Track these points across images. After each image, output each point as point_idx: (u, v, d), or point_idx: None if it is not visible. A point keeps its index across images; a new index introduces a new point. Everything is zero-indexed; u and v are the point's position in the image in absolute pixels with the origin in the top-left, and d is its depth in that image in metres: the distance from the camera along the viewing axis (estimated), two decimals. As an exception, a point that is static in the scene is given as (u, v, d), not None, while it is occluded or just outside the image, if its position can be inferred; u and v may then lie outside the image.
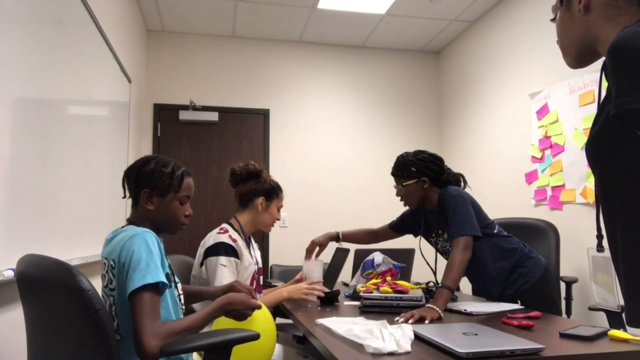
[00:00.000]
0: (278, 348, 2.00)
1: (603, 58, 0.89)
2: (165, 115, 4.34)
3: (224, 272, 1.89)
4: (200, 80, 4.41)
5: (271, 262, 4.16)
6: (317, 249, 2.42)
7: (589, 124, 2.81)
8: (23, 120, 1.63)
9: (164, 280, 1.29)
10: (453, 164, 4.27)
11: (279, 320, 2.26)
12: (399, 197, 2.23)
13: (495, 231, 2.14)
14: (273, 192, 2.16)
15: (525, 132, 3.50)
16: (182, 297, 1.53)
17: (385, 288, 1.88)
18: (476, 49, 4.19)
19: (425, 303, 1.80)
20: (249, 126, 4.49)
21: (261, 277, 2.21)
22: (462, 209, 2.01)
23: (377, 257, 2.41)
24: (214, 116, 4.34)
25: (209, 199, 4.30)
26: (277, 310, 2.16)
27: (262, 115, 4.51)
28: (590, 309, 2.41)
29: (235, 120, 4.46)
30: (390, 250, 2.48)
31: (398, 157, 2.22)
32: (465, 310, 1.82)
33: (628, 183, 0.82)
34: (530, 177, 3.42)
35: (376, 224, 2.63)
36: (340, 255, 2.48)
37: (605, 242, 0.91)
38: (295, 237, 4.30)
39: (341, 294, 2.29)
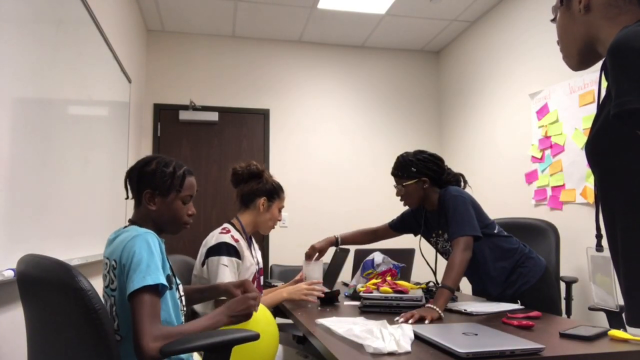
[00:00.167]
0: (278, 348, 2.00)
1: (603, 58, 0.89)
2: (165, 115, 4.34)
3: (226, 272, 1.89)
4: (200, 80, 4.41)
5: (271, 262, 4.16)
6: (317, 254, 2.41)
7: (589, 124, 2.81)
8: (23, 120, 1.63)
9: (164, 282, 1.29)
10: (453, 164, 4.27)
11: (279, 320, 2.26)
12: (399, 197, 2.23)
13: (496, 231, 2.14)
14: (275, 192, 2.16)
15: (525, 132, 3.50)
16: (183, 298, 1.53)
17: (385, 288, 1.88)
18: (476, 49, 4.19)
19: (425, 303, 1.80)
20: (249, 126, 4.49)
21: (262, 278, 2.21)
22: (462, 209, 2.01)
23: (377, 257, 2.41)
24: (214, 116, 4.34)
25: (209, 199, 4.30)
26: (277, 310, 2.16)
27: (262, 115, 4.51)
28: (590, 309, 2.40)
29: (235, 120, 4.46)
30: (390, 250, 2.48)
31: (398, 157, 2.22)
32: (465, 310, 1.82)
33: (628, 183, 0.82)
34: (530, 177, 3.42)
35: (376, 224, 2.63)
36: (340, 256, 2.48)
37: (604, 242, 0.91)
38: (295, 237, 4.30)
39: (341, 294, 2.29)
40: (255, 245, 2.22)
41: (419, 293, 1.88)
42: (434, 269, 2.28)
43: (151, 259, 1.30)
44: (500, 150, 3.81)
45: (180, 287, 1.53)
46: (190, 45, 4.42)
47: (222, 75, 4.46)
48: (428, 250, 2.33)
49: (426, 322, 1.61)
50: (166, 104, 4.33)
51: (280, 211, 2.20)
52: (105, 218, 2.73)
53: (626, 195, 0.82)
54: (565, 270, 2.74)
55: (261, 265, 2.19)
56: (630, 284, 0.84)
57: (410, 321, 1.60)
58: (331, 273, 2.48)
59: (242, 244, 2.02)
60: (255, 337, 1.30)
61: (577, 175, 2.97)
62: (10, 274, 1.42)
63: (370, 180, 4.61)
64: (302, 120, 4.57)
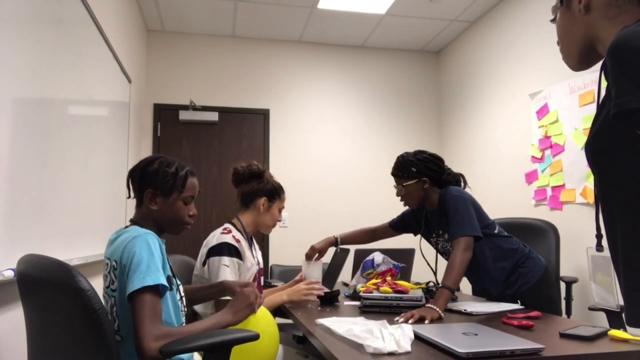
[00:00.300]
0: (279, 348, 2.00)
1: (603, 58, 0.89)
2: (165, 115, 4.34)
3: (227, 272, 1.88)
4: (200, 80, 4.41)
5: (271, 262, 4.16)
6: (317, 255, 2.41)
7: (589, 124, 2.80)
8: (23, 120, 1.63)
9: (164, 282, 1.29)
10: (453, 164, 4.27)
11: (279, 320, 2.26)
12: (399, 197, 2.23)
13: (496, 231, 2.14)
14: (275, 193, 2.16)
15: (525, 132, 3.50)
16: (184, 299, 1.53)
17: (385, 288, 1.88)
18: (476, 49, 4.19)
19: (425, 303, 1.80)
20: (249, 126, 4.49)
21: (262, 278, 2.21)
22: (463, 209, 2.01)
23: (377, 257, 2.41)
24: (214, 116, 4.34)
25: (209, 199, 4.30)
26: (277, 310, 2.16)
27: (262, 115, 4.51)
28: (590, 309, 2.40)
29: (235, 120, 4.46)
30: (390, 250, 2.48)
31: (398, 157, 2.22)
32: (465, 310, 1.82)
33: (628, 183, 0.82)
34: (530, 177, 3.42)
35: (376, 224, 2.63)
36: (340, 256, 2.48)
37: (605, 242, 0.91)
38: (295, 237, 4.30)
39: (341, 294, 2.29)
40: (256, 246, 2.22)
41: (419, 293, 1.88)
42: (434, 269, 2.28)
43: (151, 260, 1.30)
44: (500, 150, 3.81)
45: (181, 287, 1.53)
46: (190, 45, 4.42)
47: (222, 75, 4.46)
48: (428, 250, 2.33)
49: (426, 322, 1.61)
50: (166, 104, 4.33)
51: (280, 212, 2.20)
52: (105, 218, 2.73)
53: (626, 195, 0.82)
54: (565, 270, 2.74)
55: (261, 265, 2.19)
56: (630, 284, 0.84)
57: (410, 321, 1.60)
58: (331, 273, 2.48)
59: (244, 244, 2.02)
60: (255, 337, 1.30)
61: (577, 175, 2.97)
62: (10, 274, 1.42)
63: (370, 180, 4.61)
64: (302, 120, 4.57)
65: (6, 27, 1.50)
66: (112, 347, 1.07)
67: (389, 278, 2.04)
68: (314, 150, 4.55)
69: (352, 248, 2.51)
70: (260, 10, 3.98)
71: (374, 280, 2.05)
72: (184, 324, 1.54)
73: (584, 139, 2.89)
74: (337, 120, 4.64)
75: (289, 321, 2.08)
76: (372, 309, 1.84)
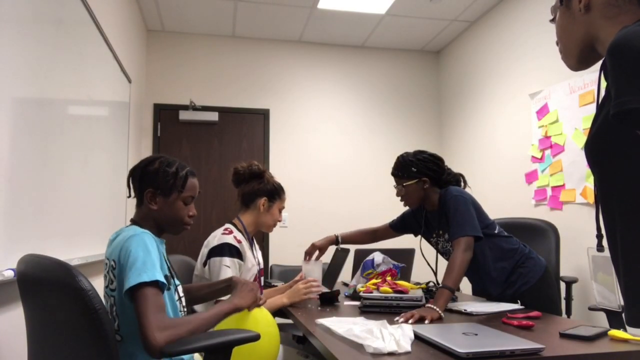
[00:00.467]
0: (279, 348, 2.00)
1: (603, 58, 0.89)
2: (165, 115, 4.34)
3: (228, 272, 1.89)
4: (200, 80, 4.41)
5: (271, 262, 4.16)
6: (317, 252, 2.41)
7: (589, 124, 2.80)
8: (23, 120, 1.63)
9: (161, 279, 1.30)
10: (453, 164, 4.27)
11: (279, 320, 2.26)
12: (399, 198, 2.23)
13: (496, 231, 2.14)
14: (275, 193, 2.16)
15: (525, 132, 3.50)
16: (183, 300, 1.53)
17: (385, 288, 1.88)
18: (476, 49, 4.19)
19: (425, 303, 1.80)
20: (249, 126, 4.49)
21: (262, 278, 2.21)
22: (463, 209, 2.01)
23: (377, 257, 2.41)
24: (214, 116, 4.34)
25: (209, 199, 4.31)
26: (277, 310, 2.16)
27: (262, 115, 4.51)
28: (590, 309, 2.40)
29: (235, 120, 4.46)
30: (390, 250, 2.48)
31: (398, 158, 2.22)
32: (465, 310, 1.82)
33: (628, 183, 0.82)
34: (530, 177, 3.42)
35: (376, 224, 2.63)
36: (340, 256, 2.48)
37: (605, 242, 0.91)
38: (295, 237, 4.30)
39: (341, 294, 2.29)
40: (257, 246, 2.22)
41: (419, 293, 1.88)
42: (434, 269, 2.28)
43: (147, 257, 1.31)
44: (500, 150, 3.81)
45: (180, 288, 1.53)
46: (190, 45, 4.42)
47: (222, 75, 4.46)
48: (428, 250, 2.33)
49: (426, 322, 1.61)
50: (166, 104, 4.33)
51: (281, 212, 2.20)
52: (105, 218, 2.73)
53: (626, 195, 0.82)
54: (565, 270, 2.74)
55: (262, 265, 2.19)
56: (629, 284, 0.84)
57: (410, 321, 1.60)
58: (331, 273, 2.48)
59: (245, 245, 2.02)
60: (255, 337, 1.30)
61: (577, 175, 2.97)
62: (10, 274, 1.42)
63: (370, 180, 4.61)
64: (302, 120, 4.57)
65: (6, 27, 1.50)
66: (112, 347, 1.07)
67: (389, 278, 2.04)
68: (314, 150, 4.55)
69: (352, 248, 2.51)
70: (260, 10, 3.98)
71: (374, 280, 2.05)
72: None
73: (584, 139, 2.89)
74: (337, 120, 4.64)
75: (289, 321, 2.08)
76: (372, 309, 1.84)
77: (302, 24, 4.24)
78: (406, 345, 1.26)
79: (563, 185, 3.08)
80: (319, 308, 1.99)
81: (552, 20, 1.01)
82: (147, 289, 1.25)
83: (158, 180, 1.48)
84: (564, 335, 1.42)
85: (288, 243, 4.30)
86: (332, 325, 1.51)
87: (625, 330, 1.42)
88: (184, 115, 4.28)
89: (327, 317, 1.65)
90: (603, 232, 0.93)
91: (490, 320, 1.67)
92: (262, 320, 1.58)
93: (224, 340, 1.27)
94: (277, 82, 4.56)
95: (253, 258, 2.08)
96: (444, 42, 4.66)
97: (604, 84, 0.85)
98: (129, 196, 1.55)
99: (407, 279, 2.52)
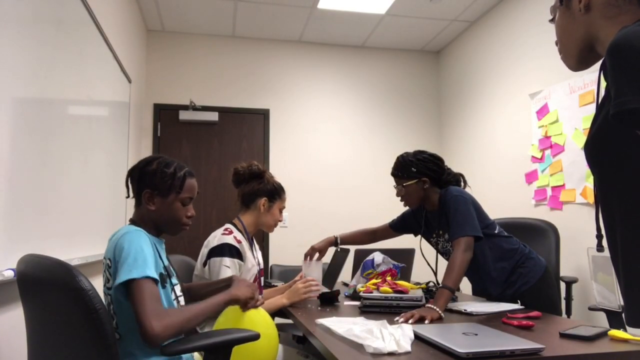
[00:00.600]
0: (278, 348, 2.00)
1: (602, 58, 0.89)
2: (165, 115, 4.34)
3: (227, 273, 1.89)
4: (200, 80, 4.41)
5: (271, 262, 4.16)
6: (317, 254, 2.41)
7: (589, 124, 2.81)
8: (23, 120, 1.63)
9: (152, 275, 1.30)
10: (453, 164, 4.27)
11: (279, 320, 2.26)
12: (399, 198, 2.23)
13: (496, 231, 2.14)
14: (276, 193, 2.16)
15: (525, 132, 3.50)
16: (180, 299, 1.53)
17: (385, 288, 1.88)
18: (476, 49, 4.19)
19: (425, 303, 1.80)
20: (249, 126, 4.49)
21: (262, 278, 2.21)
22: (463, 209, 2.01)
23: (377, 257, 2.41)
24: (214, 116, 4.34)
25: (208, 199, 4.31)
26: (278, 310, 2.16)
27: (262, 115, 4.51)
28: (590, 309, 2.40)
29: (235, 120, 4.46)
30: (390, 250, 2.48)
31: (398, 158, 2.22)
32: (465, 310, 1.82)
33: (628, 183, 0.82)
34: (530, 177, 3.42)
35: (376, 224, 2.63)
36: (340, 256, 2.48)
37: (605, 242, 0.91)
38: (295, 237, 4.30)
39: (341, 294, 2.29)
40: (257, 246, 2.22)
41: (419, 293, 1.88)
42: (434, 269, 2.28)
43: (139, 254, 1.32)
44: (500, 150, 3.81)
45: (177, 287, 1.53)
46: (190, 45, 4.42)
47: (222, 75, 4.46)
48: (428, 250, 2.33)
49: (426, 322, 1.61)
50: (166, 104, 4.33)
51: (281, 212, 2.20)
52: (105, 218, 2.73)
53: (626, 195, 0.82)
54: (565, 270, 2.74)
55: (262, 265, 2.19)
56: (629, 284, 0.84)
57: (410, 321, 1.60)
58: (331, 273, 2.48)
59: (245, 245, 2.02)
60: (255, 337, 1.31)
61: (577, 175, 2.97)
62: (10, 274, 1.42)
63: (370, 180, 4.61)
64: (302, 120, 4.57)
65: (6, 27, 1.50)
66: (113, 346, 1.07)
67: (389, 278, 2.04)
68: (314, 150, 4.55)
69: (352, 248, 2.51)
70: (260, 10, 3.98)
71: (374, 280, 2.05)
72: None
73: (584, 139, 2.89)
74: (337, 120, 4.64)
75: (289, 321, 2.08)
76: (372, 309, 1.84)
77: (302, 24, 4.24)
78: (406, 345, 1.26)
79: (563, 185, 3.08)
80: (319, 308, 1.99)
81: (552, 20, 1.01)
82: (140, 281, 1.27)
83: (156, 180, 1.49)
84: (564, 335, 1.42)
85: (288, 243, 4.30)
86: (332, 325, 1.51)
87: (625, 330, 1.42)
88: (184, 115, 4.28)
89: (327, 317, 1.65)
90: (603, 232, 0.93)
91: (490, 320, 1.67)
92: (260, 322, 1.58)
93: (224, 339, 1.27)
94: (277, 82, 4.56)
95: (253, 258, 2.08)
96: (444, 42, 4.66)
97: (603, 84, 0.85)
98: (128, 196, 1.55)
99: (407, 279, 2.52)
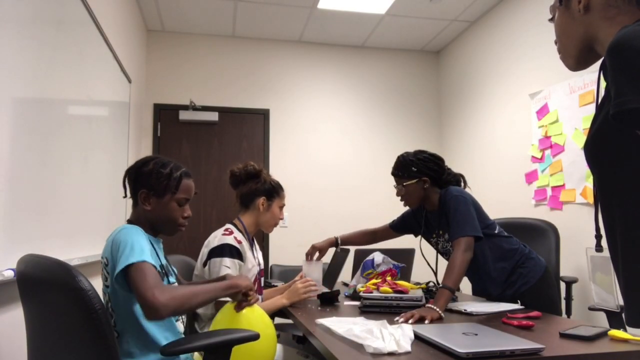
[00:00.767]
0: (278, 348, 2.00)
1: (602, 58, 0.89)
2: (165, 115, 4.34)
3: (227, 273, 1.88)
4: (200, 80, 4.41)
5: (271, 262, 4.16)
6: (317, 253, 2.41)
7: (589, 124, 2.81)
8: (23, 120, 1.63)
9: (150, 261, 1.32)
10: (453, 164, 4.27)
11: (279, 320, 2.26)
12: (399, 197, 2.22)
13: (496, 232, 2.14)
14: (274, 191, 2.15)
15: (525, 132, 3.50)
16: None
17: (385, 288, 1.88)
18: (476, 49, 4.19)
19: (425, 303, 1.80)
20: (249, 126, 4.49)
21: (262, 279, 2.21)
22: (463, 209, 2.01)
23: (377, 257, 2.41)
24: (214, 116, 4.34)
25: (208, 199, 4.30)
26: (277, 310, 2.16)
27: (262, 115, 4.51)
28: (590, 309, 2.40)
29: (235, 120, 4.46)
30: (390, 250, 2.48)
31: (398, 157, 2.22)
32: (465, 310, 1.82)
33: (627, 183, 0.82)
34: (530, 177, 3.42)
35: (376, 224, 2.63)
36: (340, 256, 2.48)
37: (604, 242, 0.91)
38: (295, 237, 4.30)
39: (341, 294, 2.29)
40: (257, 246, 2.22)
41: (419, 293, 1.88)
42: (434, 269, 2.28)
43: (135, 243, 1.34)
44: (500, 150, 3.81)
45: (175, 285, 1.54)
46: (190, 45, 4.42)
47: (222, 75, 4.46)
48: (428, 250, 2.33)
49: (426, 322, 1.61)
50: (166, 104, 4.33)
51: (281, 209, 2.19)
52: (105, 218, 2.73)
53: (625, 195, 0.82)
54: (565, 270, 2.74)
55: (262, 266, 2.19)
56: (629, 284, 0.84)
57: (410, 321, 1.60)
58: (331, 273, 2.48)
59: (245, 245, 2.02)
60: (255, 337, 1.31)
61: (577, 175, 2.97)
62: (10, 274, 1.42)
63: (370, 180, 4.61)
64: (302, 120, 4.57)
65: (6, 27, 1.50)
66: (112, 346, 1.07)
67: (389, 278, 2.04)
68: (314, 150, 4.55)
69: (352, 248, 2.51)
70: (260, 10, 3.98)
71: (374, 280, 2.05)
72: (181, 321, 1.55)
73: (584, 139, 2.89)
74: (337, 120, 4.64)
75: (289, 321, 2.08)
76: (372, 309, 1.84)
77: (302, 24, 4.24)
78: (406, 345, 1.26)
79: (563, 185, 3.08)
80: (319, 308, 1.99)
81: (551, 20, 1.01)
82: (139, 264, 1.29)
83: (152, 181, 1.49)
84: (564, 335, 1.42)
85: (288, 243, 4.30)
86: (332, 325, 1.51)
87: (625, 330, 1.42)
88: (184, 115, 4.28)
89: (327, 317, 1.65)
90: (602, 232, 0.93)
91: (490, 320, 1.67)
92: (257, 321, 1.57)
93: (224, 339, 1.27)
94: (277, 82, 4.56)
95: (253, 258, 2.07)
96: (444, 42, 4.66)
97: (603, 83, 0.85)
98: (125, 196, 1.56)
99: (407, 279, 2.52)
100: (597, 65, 0.93)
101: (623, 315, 0.87)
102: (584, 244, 2.83)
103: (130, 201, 1.56)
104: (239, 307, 1.53)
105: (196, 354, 1.54)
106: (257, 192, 2.12)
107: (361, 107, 4.71)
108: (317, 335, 1.47)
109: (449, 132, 4.68)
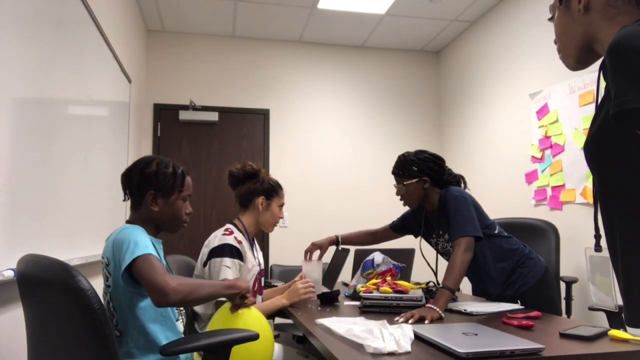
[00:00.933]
0: (278, 348, 2.00)
1: (602, 58, 0.89)
2: (165, 115, 4.34)
3: (228, 273, 1.88)
4: (200, 80, 4.41)
5: (271, 262, 4.16)
6: (318, 251, 2.41)
7: (589, 124, 2.80)
8: (23, 120, 1.63)
9: (154, 254, 1.35)
10: (453, 164, 4.27)
11: (279, 320, 2.26)
12: (399, 197, 2.22)
13: (496, 232, 2.14)
14: (273, 190, 2.15)
15: (525, 132, 3.50)
16: None
17: (385, 288, 1.88)
18: (476, 49, 4.19)
19: (425, 303, 1.80)
20: (249, 126, 4.49)
21: (262, 279, 2.21)
22: (463, 209, 2.01)
23: (377, 257, 2.41)
24: (214, 116, 4.34)
25: (208, 199, 4.30)
26: (277, 310, 2.16)
27: (262, 115, 4.51)
28: (590, 309, 2.40)
29: (235, 120, 4.46)
30: (390, 250, 2.48)
31: (399, 156, 2.22)
32: (465, 310, 1.82)
33: (627, 182, 0.82)
34: (530, 177, 3.42)
35: (376, 225, 2.63)
36: (340, 256, 2.48)
37: (603, 242, 0.91)
38: (295, 237, 4.30)
39: (341, 294, 2.29)
40: (257, 246, 2.22)
41: (419, 293, 1.88)
42: (434, 269, 2.28)
43: (139, 240, 1.36)
44: (500, 150, 3.81)
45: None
46: (190, 45, 4.43)
47: (222, 75, 4.46)
48: (428, 250, 2.33)
49: (426, 322, 1.61)
50: (166, 104, 4.33)
51: (281, 208, 2.19)
52: (105, 218, 2.73)
53: (625, 195, 0.82)
54: (565, 270, 2.74)
55: (262, 266, 2.19)
56: (629, 284, 0.84)
57: (410, 321, 1.60)
58: (331, 273, 2.48)
59: (245, 245, 2.02)
60: (254, 337, 1.31)
61: (577, 175, 2.97)
62: (10, 274, 1.42)
63: (370, 181, 4.61)
64: (302, 120, 4.57)
65: (6, 27, 1.50)
66: (112, 346, 1.07)
67: (389, 278, 2.04)
68: (314, 150, 4.55)
69: (352, 248, 2.51)
70: (260, 10, 3.98)
71: (374, 280, 2.05)
72: (181, 320, 1.56)
73: (584, 139, 2.89)
74: (337, 120, 4.64)
75: (289, 321, 2.08)
76: (372, 309, 1.84)
77: (302, 24, 4.24)
78: (406, 345, 1.26)
79: (563, 185, 3.08)
80: (319, 308, 1.99)
81: (551, 19, 1.01)
82: (145, 256, 1.31)
83: (159, 181, 1.50)
84: (564, 335, 1.42)
85: (288, 243, 4.30)
86: (332, 325, 1.51)
87: (625, 330, 1.42)
88: (184, 115, 4.28)
89: (327, 317, 1.65)
90: (601, 232, 0.93)
91: (490, 320, 1.67)
92: (256, 324, 1.57)
93: (224, 339, 1.27)
94: (277, 82, 4.56)
95: (253, 259, 2.07)
96: (444, 42, 4.66)
97: (603, 83, 0.85)
98: (125, 199, 1.56)
99: (407, 279, 2.52)
100: (597, 65, 0.93)
101: (623, 315, 0.87)
102: (584, 244, 2.83)
103: (129, 201, 1.56)
104: (234, 309, 1.53)
105: (195, 353, 1.54)
106: (255, 191, 2.12)
107: (361, 107, 4.71)
108: (317, 335, 1.47)
109: (449, 132, 4.68)
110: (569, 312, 2.58)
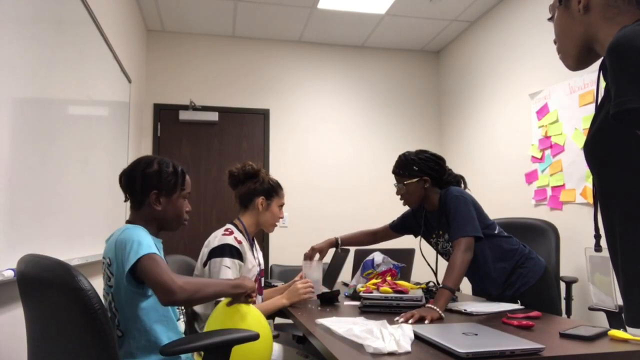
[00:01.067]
0: (278, 348, 2.00)
1: (602, 58, 0.89)
2: (165, 115, 4.34)
3: (228, 273, 1.89)
4: (200, 80, 4.41)
5: (271, 262, 4.16)
6: (317, 255, 2.41)
7: (589, 124, 2.80)
8: (23, 120, 1.63)
9: (158, 253, 1.36)
10: (453, 164, 4.28)
11: (279, 320, 2.26)
12: (399, 196, 2.22)
13: (496, 232, 2.14)
14: (272, 190, 2.15)
15: (525, 132, 3.50)
16: None
17: (385, 288, 1.88)
18: (476, 49, 4.19)
19: (425, 303, 1.80)
20: (249, 126, 4.49)
21: (262, 279, 2.21)
22: (463, 209, 2.01)
23: (377, 257, 2.41)
24: (214, 116, 4.34)
25: (208, 199, 4.30)
26: (278, 310, 2.16)
27: (262, 115, 4.51)
28: (590, 309, 2.40)
29: (235, 120, 4.46)
30: (390, 250, 2.48)
31: (400, 156, 2.22)
32: (465, 310, 1.82)
33: (627, 182, 0.82)
34: (530, 177, 3.42)
35: (376, 224, 2.63)
36: (340, 256, 2.48)
37: (603, 242, 0.91)
38: (295, 237, 4.30)
39: (341, 294, 2.29)
40: (257, 246, 2.22)
41: (419, 293, 1.88)
42: (434, 269, 2.28)
43: (143, 240, 1.36)
44: (500, 150, 3.81)
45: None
46: (190, 45, 4.43)
47: (222, 75, 4.46)
48: (428, 250, 2.33)
49: (426, 322, 1.61)
50: (166, 104, 4.33)
51: (281, 208, 2.19)
52: (105, 218, 2.73)
53: (625, 195, 0.82)
54: (565, 270, 2.74)
55: (262, 266, 2.19)
56: (629, 284, 0.84)
57: (410, 321, 1.60)
58: (331, 273, 2.48)
59: (245, 245, 2.02)
60: (254, 337, 1.31)
61: (577, 175, 2.97)
62: (10, 274, 1.42)
63: (370, 180, 4.61)
64: (302, 120, 4.57)
65: (6, 27, 1.50)
66: (112, 346, 1.07)
67: (389, 278, 2.04)
68: (314, 150, 4.55)
69: (352, 248, 2.51)
70: (260, 10, 3.98)
71: (374, 280, 2.05)
72: (182, 321, 1.56)
73: (584, 139, 2.89)
74: (337, 120, 4.64)
75: (289, 321, 2.08)
76: (372, 309, 1.84)
77: (302, 24, 4.24)
78: (406, 345, 1.26)
79: (563, 185, 3.08)
80: (319, 308, 1.99)
81: (551, 19, 1.01)
82: (150, 255, 1.32)
83: (162, 181, 1.51)
84: (564, 335, 1.42)
85: (288, 243, 4.30)
86: (332, 325, 1.51)
87: (625, 330, 1.42)
88: (184, 115, 4.28)
89: (327, 317, 1.65)
90: (601, 232, 0.93)
91: (490, 320, 1.67)
92: (255, 324, 1.57)
93: (224, 339, 1.27)
94: (277, 82, 4.56)
95: (253, 259, 2.07)
96: (444, 42, 4.66)
97: (603, 83, 0.85)
98: (126, 200, 1.56)
99: (407, 279, 2.52)
100: (597, 65, 0.93)
101: (623, 315, 0.87)
102: (584, 244, 2.83)
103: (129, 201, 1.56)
104: (232, 303, 1.53)
105: (195, 353, 1.54)
106: (255, 191, 2.12)
107: (361, 107, 4.71)
108: (317, 335, 1.47)
109: (449, 132, 4.68)
110: (569, 312, 2.59)
